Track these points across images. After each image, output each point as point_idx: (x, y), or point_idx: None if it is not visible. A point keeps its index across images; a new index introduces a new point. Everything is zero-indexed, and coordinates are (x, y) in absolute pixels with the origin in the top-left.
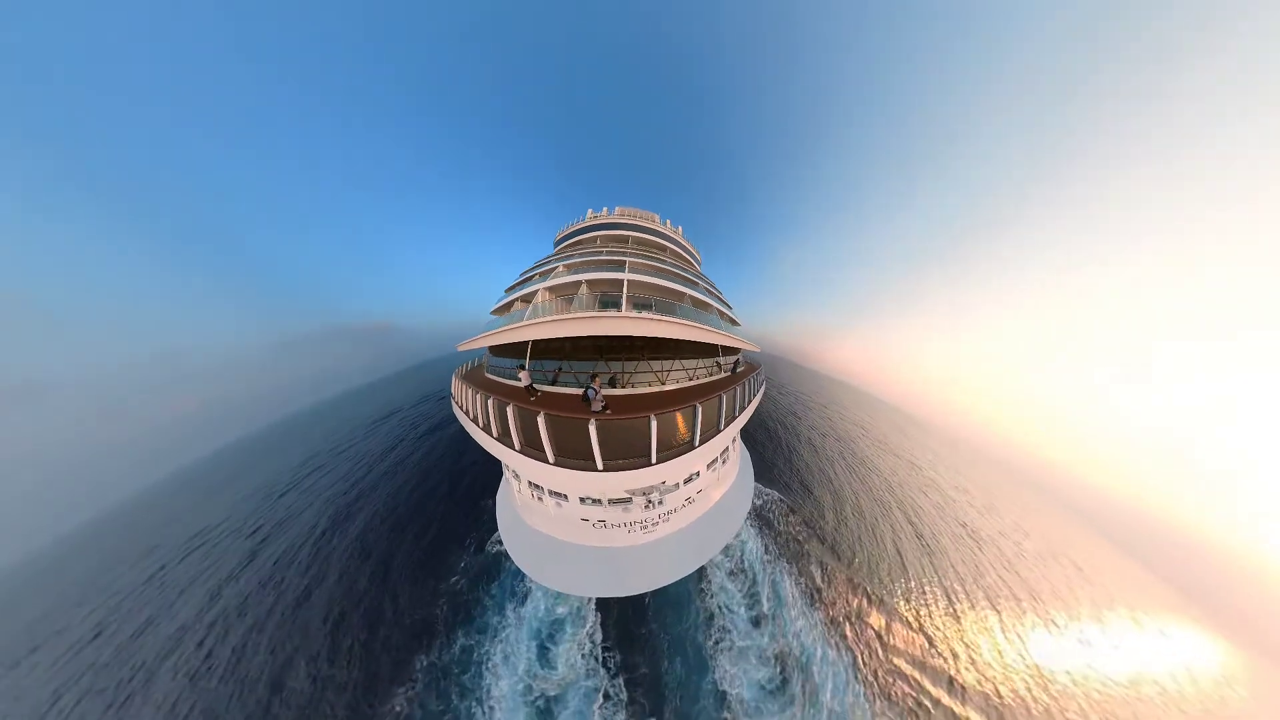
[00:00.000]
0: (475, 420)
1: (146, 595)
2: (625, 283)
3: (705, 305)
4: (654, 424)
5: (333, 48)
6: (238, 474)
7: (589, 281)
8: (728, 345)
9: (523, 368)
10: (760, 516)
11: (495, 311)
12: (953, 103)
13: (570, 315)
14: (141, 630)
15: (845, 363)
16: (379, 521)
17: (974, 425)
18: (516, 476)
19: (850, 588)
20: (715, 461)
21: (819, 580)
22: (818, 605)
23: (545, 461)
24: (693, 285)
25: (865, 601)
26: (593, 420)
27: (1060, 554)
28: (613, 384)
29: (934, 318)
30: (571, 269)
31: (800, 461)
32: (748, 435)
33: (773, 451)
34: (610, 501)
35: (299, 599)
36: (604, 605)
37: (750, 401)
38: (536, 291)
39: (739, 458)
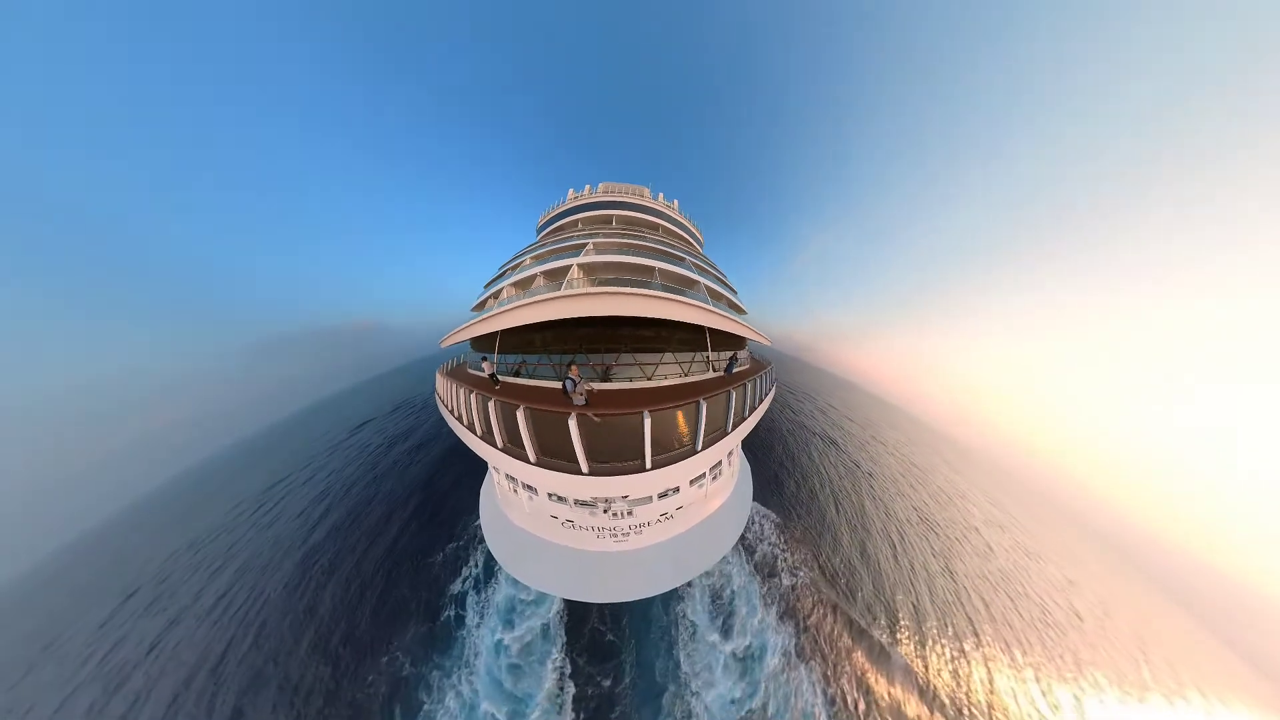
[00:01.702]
0: (452, 412)
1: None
2: (574, 267)
3: (689, 283)
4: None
5: (303, 28)
6: (182, 514)
7: (545, 272)
8: (716, 328)
9: (485, 359)
10: (786, 603)
11: (475, 308)
12: (993, 104)
13: (497, 311)
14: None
15: (875, 369)
16: (326, 569)
17: (1010, 445)
18: (497, 469)
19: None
20: (703, 477)
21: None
22: None
23: (514, 456)
24: (676, 261)
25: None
26: (574, 416)
27: (1116, 616)
28: (605, 378)
29: (974, 324)
30: (538, 259)
31: (850, 513)
32: (761, 449)
33: (798, 493)
34: (576, 502)
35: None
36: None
37: (756, 407)
38: (503, 288)
39: (737, 471)
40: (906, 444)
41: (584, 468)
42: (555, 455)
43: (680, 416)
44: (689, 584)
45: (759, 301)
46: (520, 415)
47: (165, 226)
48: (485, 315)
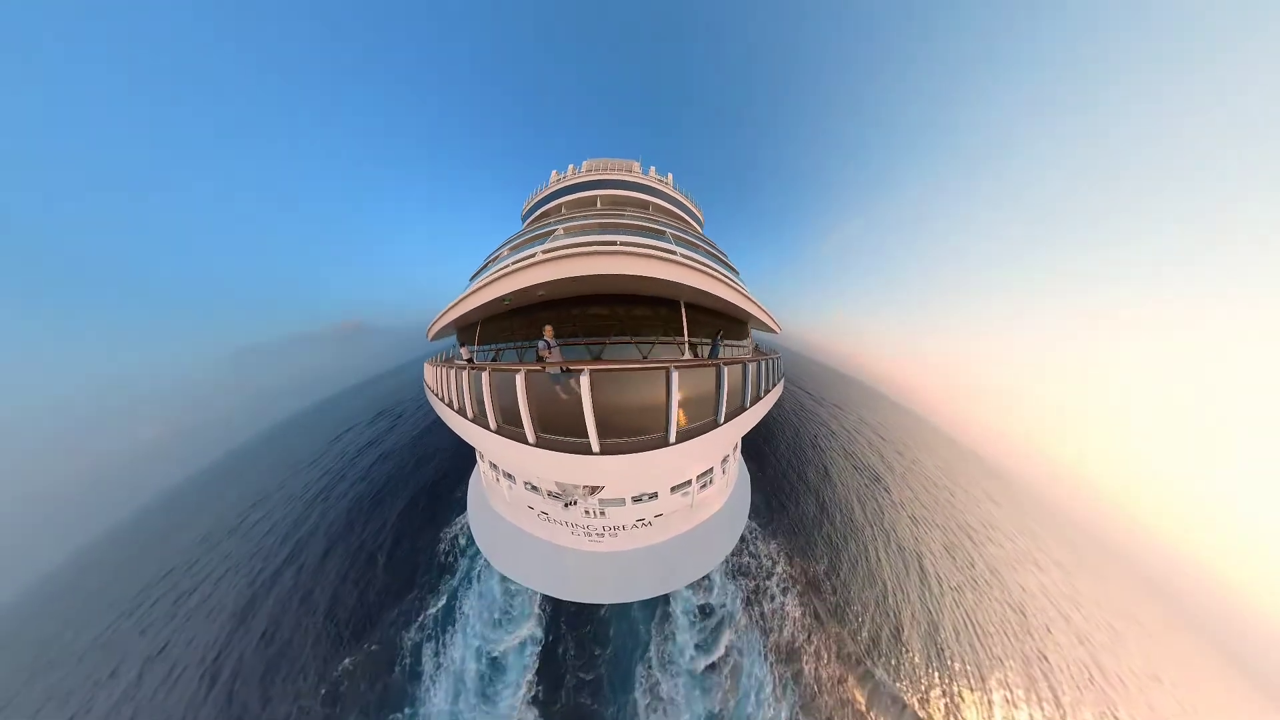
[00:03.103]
0: (439, 396)
1: None
2: (538, 254)
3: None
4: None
5: (273, 22)
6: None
7: (516, 261)
8: (692, 290)
9: (464, 346)
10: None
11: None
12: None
13: (456, 300)
14: None
15: (909, 378)
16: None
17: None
18: (481, 456)
19: None
20: (686, 485)
21: None
22: None
23: (481, 425)
24: (653, 234)
25: None
26: (523, 373)
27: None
28: (597, 356)
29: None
30: (514, 249)
31: (908, 583)
32: (786, 479)
33: (837, 550)
34: (549, 494)
35: None
36: None
37: (761, 398)
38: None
39: (733, 480)
40: (946, 473)
41: (529, 436)
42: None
43: (672, 404)
44: (676, 674)
45: (774, 299)
46: (484, 379)
47: (134, 231)
48: (449, 305)
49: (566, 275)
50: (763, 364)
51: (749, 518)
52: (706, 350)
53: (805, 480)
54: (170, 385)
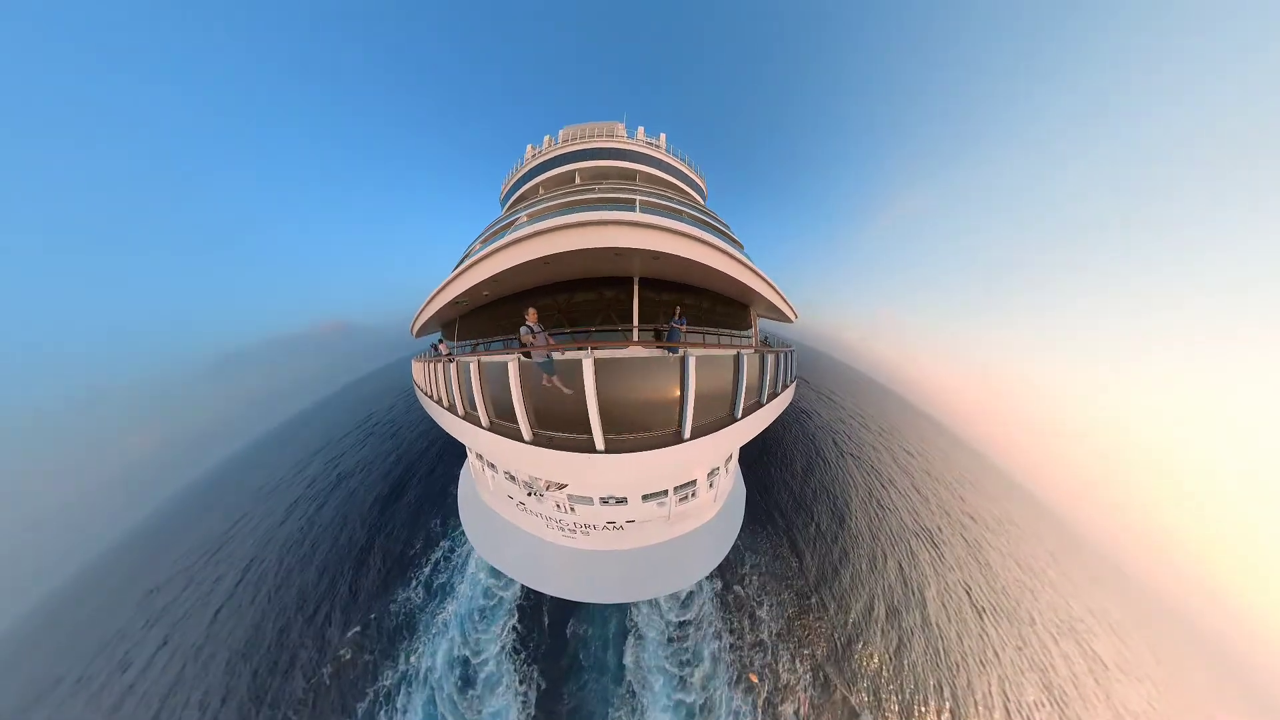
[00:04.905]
0: (427, 393)
1: None
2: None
3: None
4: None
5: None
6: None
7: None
8: (649, 257)
9: (441, 341)
10: None
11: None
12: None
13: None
14: None
15: (965, 398)
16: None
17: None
18: (470, 448)
19: None
20: (662, 495)
21: None
22: None
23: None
24: (624, 206)
25: None
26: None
27: None
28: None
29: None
30: (485, 242)
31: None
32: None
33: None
34: (523, 483)
35: None
36: None
37: (772, 397)
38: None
39: (725, 493)
40: (1001, 529)
41: (525, 433)
42: (506, 419)
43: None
44: None
45: (798, 291)
46: (474, 369)
47: (102, 235)
48: (421, 305)
49: (483, 278)
50: (781, 357)
51: (771, 563)
52: (667, 336)
53: (862, 562)
54: (153, 398)
